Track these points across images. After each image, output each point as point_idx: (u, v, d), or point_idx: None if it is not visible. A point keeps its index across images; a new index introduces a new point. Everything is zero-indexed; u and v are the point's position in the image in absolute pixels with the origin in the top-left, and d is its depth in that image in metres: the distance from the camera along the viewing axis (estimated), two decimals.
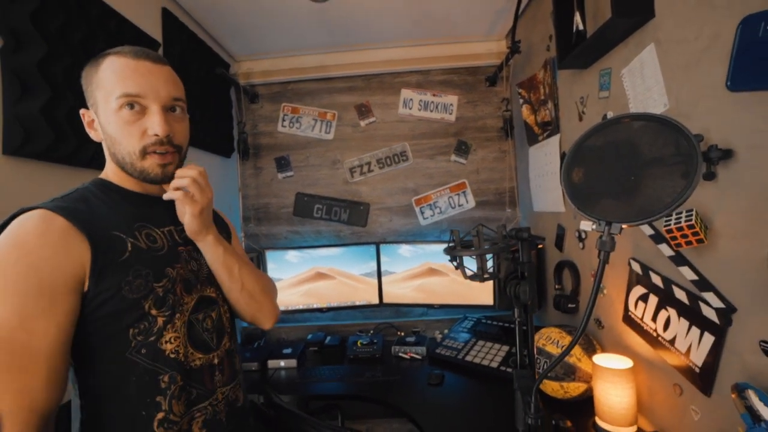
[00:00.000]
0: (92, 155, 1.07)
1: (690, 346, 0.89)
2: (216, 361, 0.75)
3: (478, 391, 1.39)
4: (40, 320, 0.57)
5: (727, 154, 0.75)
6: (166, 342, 0.67)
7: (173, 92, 0.72)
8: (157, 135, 0.69)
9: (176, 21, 1.52)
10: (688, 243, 0.83)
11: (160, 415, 0.66)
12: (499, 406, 1.27)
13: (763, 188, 0.70)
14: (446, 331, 1.84)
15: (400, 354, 1.69)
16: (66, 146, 0.98)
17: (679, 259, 0.91)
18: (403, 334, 1.88)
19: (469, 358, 1.56)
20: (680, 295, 0.91)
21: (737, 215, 0.75)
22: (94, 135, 0.73)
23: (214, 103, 1.86)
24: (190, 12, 1.62)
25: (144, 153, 0.69)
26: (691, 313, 0.88)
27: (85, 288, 0.62)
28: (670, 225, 0.84)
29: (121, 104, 0.67)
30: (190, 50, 1.62)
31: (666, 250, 0.95)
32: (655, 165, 0.58)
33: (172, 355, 0.68)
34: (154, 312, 0.67)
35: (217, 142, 1.89)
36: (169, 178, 0.73)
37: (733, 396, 0.73)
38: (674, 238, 0.85)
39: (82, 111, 0.73)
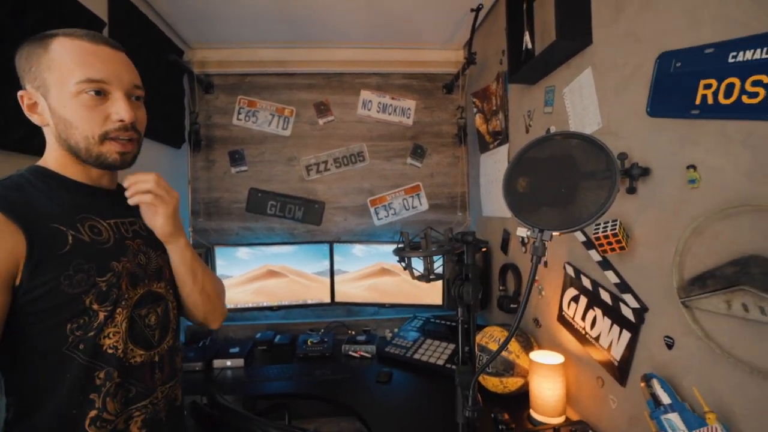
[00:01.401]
0: (20, 138, 0.98)
1: (611, 342, 0.98)
2: (157, 358, 0.73)
3: (424, 388, 1.44)
4: None
5: (645, 172, 0.85)
6: (104, 337, 0.65)
7: (134, 79, 0.71)
8: (122, 120, 0.67)
9: (125, 0, 1.43)
10: (612, 250, 0.92)
11: (93, 413, 0.63)
12: (443, 401, 1.32)
13: (672, 204, 0.79)
14: (396, 330, 1.88)
15: (350, 353, 1.71)
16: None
17: (605, 264, 1.00)
18: (354, 332, 1.89)
19: (417, 356, 1.61)
20: (605, 296, 1.01)
21: (651, 226, 0.85)
22: (37, 119, 0.68)
23: (164, 91, 1.76)
24: None
25: (104, 138, 0.67)
26: (613, 313, 0.98)
27: (17, 282, 0.59)
28: (598, 233, 0.93)
29: (83, 89, 0.64)
30: (140, 33, 1.53)
31: (595, 255, 1.04)
32: (588, 178, 0.64)
33: (110, 351, 0.65)
34: (95, 307, 0.64)
35: (166, 132, 1.79)
36: (128, 164, 0.72)
37: (642, 385, 0.83)
38: (601, 245, 0.94)
39: (20, 93, 0.67)
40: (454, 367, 1.51)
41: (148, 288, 0.74)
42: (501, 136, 1.62)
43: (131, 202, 0.73)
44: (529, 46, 1.26)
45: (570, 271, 1.17)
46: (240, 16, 1.71)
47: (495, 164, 1.68)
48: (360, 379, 1.51)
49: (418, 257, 0.76)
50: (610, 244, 0.91)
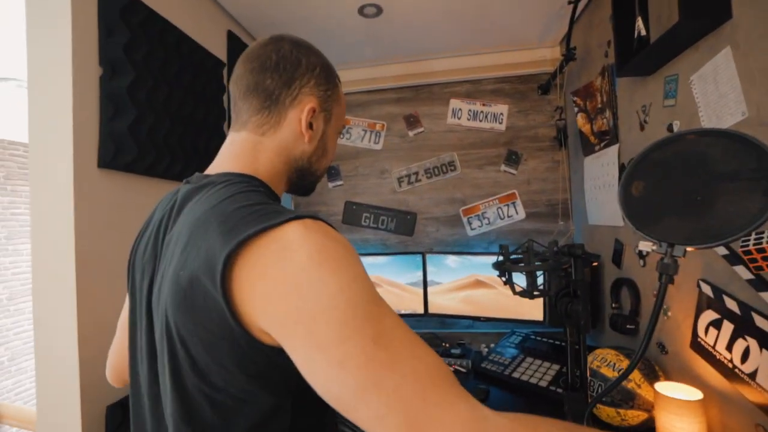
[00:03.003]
0: (166, 167, 1.19)
1: None
2: None
3: (525, 409, 1.34)
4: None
5: None
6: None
7: None
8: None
9: (239, 41, 1.65)
10: None
11: None
12: None
13: None
14: (492, 345, 1.79)
15: None
16: (146, 160, 1.10)
17: (759, 284, 0.82)
18: (447, 345, 1.86)
19: (516, 374, 1.50)
20: (762, 323, 0.82)
21: None
22: (306, 134, 0.63)
23: None
24: (252, 32, 1.75)
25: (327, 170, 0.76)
26: None
27: None
28: (748, 246, 0.77)
29: (341, 130, 0.73)
30: None
31: (744, 272, 0.86)
32: (729, 180, 0.54)
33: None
34: None
35: None
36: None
37: None
38: (754, 260, 0.77)
39: (312, 106, 0.63)
40: (559, 390, 1.38)
41: None
42: (609, 136, 1.45)
43: None
44: (643, 32, 1.11)
45: (707, 290, 0.98)
46: (334, 42, 1.84)
47: (602, 167, 1.51)
48: None
49: (521, 272, 0.72)
50: (767, 259, 0.75)
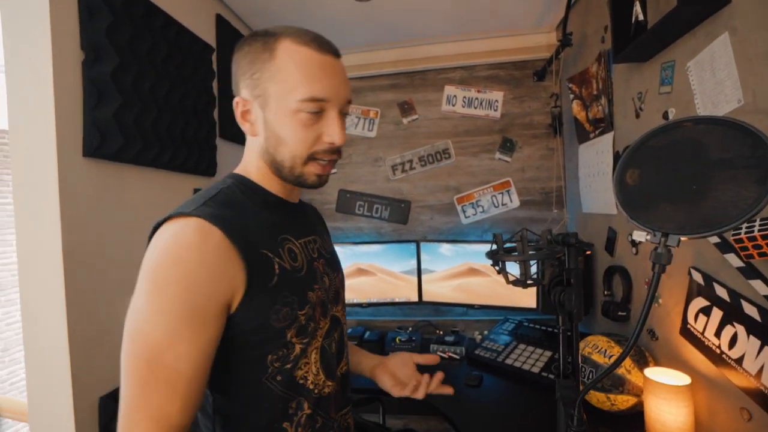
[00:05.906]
0: (155, 156, 1.16)
1: (762, 367, 0.81)
2: (338, 387, 0.71)
3: (517, 395, 1.36)
4: (187, 344, 0.53)
5: None
6: (299, 369, 0.64)
7: (348, 94, 0.66)
8: (332, 143, 0.64)
9: (229, 26, 1.60)
10: (762, 255, 0.75)
11: None
12: (539, 412, 1.23)
13: None
14: (486, 332, 1.81)
15: (439, 353, 1.69)
16: (132, 148, 1.07)
17: (750, 272, 0.83)
18: (441, 332, 1.87)
19: (509, 361, 1.52)
20: (750, 310, 0.83)
21: None
22: (247, 128, 0.66)
23: None
24: (242, 17, 1.70)
25: (310, 158, 0.64)
26: (763, 332, 0.80)
27: (232, 310, 0.58)
28: (740, 234, 0.77)
29: (303, 108, 0.61)
30: None
31: (734, 260, 0.87)
32: (724, 168, 0.53)
33: (301, 381, 0.65)
34: (294, 340, 0.63)
35: None
36: (322, 185, 0.70)
37: None
38: (745, 248, 0.77)
39: (237, 100, 0.65)
40: (551, 376, 1.40)
41: (331, 313, 0.72)
42: (604, 124, 1.44)
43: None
44: (641, 17, 1.09)
45: (697, 277, 0.99)
46: (327, 27, 1.80)
47: (597, 155, 1.51)
48: (448, 380, 1.46)
49: (515, 261, 0.71)
50: (758, 247, 0.75)
